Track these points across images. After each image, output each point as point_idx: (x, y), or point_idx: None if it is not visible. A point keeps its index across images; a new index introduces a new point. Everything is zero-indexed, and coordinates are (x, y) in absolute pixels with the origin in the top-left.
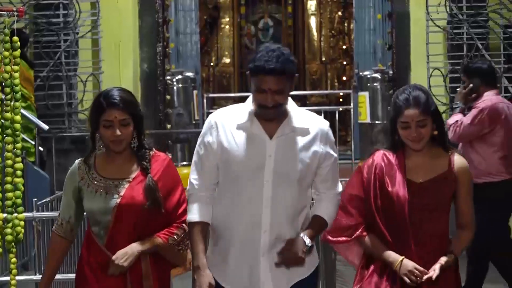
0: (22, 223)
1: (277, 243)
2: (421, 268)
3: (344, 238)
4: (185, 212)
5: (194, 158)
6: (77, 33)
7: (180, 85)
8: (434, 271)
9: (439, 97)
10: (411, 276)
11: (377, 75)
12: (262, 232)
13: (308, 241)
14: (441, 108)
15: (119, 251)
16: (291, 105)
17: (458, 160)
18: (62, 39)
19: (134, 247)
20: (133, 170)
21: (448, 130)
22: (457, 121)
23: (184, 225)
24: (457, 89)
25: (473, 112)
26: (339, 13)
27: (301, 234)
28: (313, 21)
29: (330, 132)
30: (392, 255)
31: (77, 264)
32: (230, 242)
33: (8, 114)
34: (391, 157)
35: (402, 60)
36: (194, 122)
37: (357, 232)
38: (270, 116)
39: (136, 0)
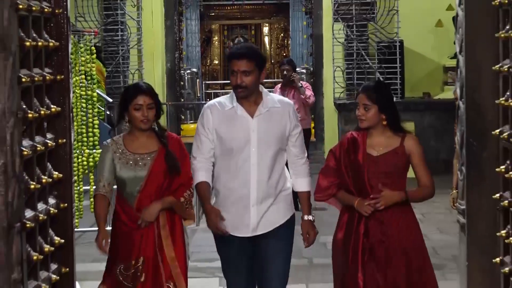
0: (98, 155)
1: (263, 198)
2: (372, 202)
3: (325, 197)
4: (191, 179)
5: (195, 138)
6: (129, 45)
7: (189, 76)
8: (377, 200)
9: (340, 83)
10: (366, 209)
11: (304, 71)
12: (251, 189)
13: (310, 217)
14: (339, 90)
15: (145, 209)
16: (264, 92)
17: (408, 138)
18: (120, 49)
19: (156, 206)
20: (154, 146)
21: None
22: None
23: (191, 188)
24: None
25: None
26: (282, 34)
27: (305, 217)
28: (266, 39)
29: (294, 108)
30: (353, 198)
31: (112, 220)
32: (229, 197)
33: (90, 92)
34: (357, 136)
35: (318, 62)
36: (197, 97)
37: (330, 192)
38: (241, 95)
39: (163, 25)
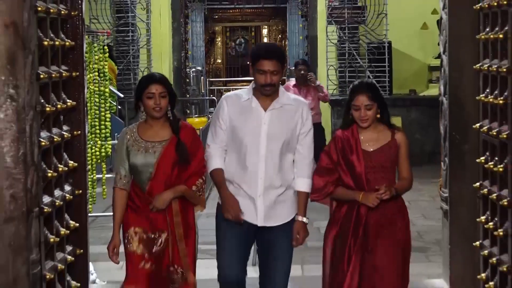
0: (110, 146)
1: (269, 189)
2: (378, 193)
3: (321, 196)
4: (204, 167)
5: (210, 127)
6: (139, 45)
7: (194, 74)
8: (383, 191)
9: (333, 80)
10: (373, 201)
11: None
12: (258, 179)
13: (304, 219)
14: (332, 87)
15: (157, 196)
16: (281, 89)
17: (398, 132)
18: (130, 48)
19: (168, 194)
20: (167, 135)
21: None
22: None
23: (203, 176)
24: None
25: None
26: (279, 36)
27: (299, 218)
28: (265, 40)
29: (307, 109)
30: (357, 193)
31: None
32: (239, 185)
33: (102, 88)
34: (348, 133)
35: (313, 61)
36: (201, 93)
37: (326, 190)
38: (268, 92)
39: (170, 27)
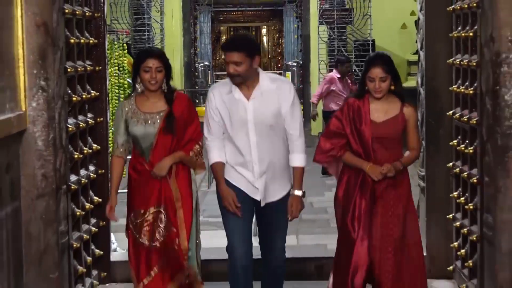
0: None
1: (265, 170)
2: (382, 168)
3: (326, 158)
4: (200, 134)
5: (204, 120)
6: (154, 43)
7: (202, 68)
8: (389, 169)
9: (324, 74)
10: (378, 175)
11: (294, 64)
12: (254, 164)
13: (300, 193)
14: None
15: (158, 164)
16: (261, 75)
17: (407, 107)
18: (146, 46)
19: (166, 161)
20: (164, 106)
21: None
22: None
23: (200, 142)
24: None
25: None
26: (277, 35)
27: (295, 192)
28: (264, 38)
29: (289, 87)
30: (364, 163)
31: (127, 171)
32: (238, 171)
33: (121, 80)
34: (360, 103)
35: (306, 57)
36: (208, 85)
37: (332, 153)
38: (235, 82)
39: (181, 27)
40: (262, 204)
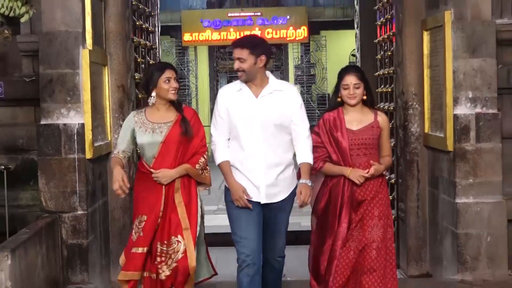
0: None
1: (269, 170)
2: (364, 172)
3: (312, 172)
4: (205, 146)
5: (212, 119)
6: (191, 96)
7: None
8: (370, 172)
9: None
10: (358, 177)
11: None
12: (258, 161)
13: (308, 182)
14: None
15: (164, 170)
16: (271, 77)
17: (380, 115)
18: (186, 98)
19: (173, 172)
20: (172, 116)
21: None
22: None
23: (205, 155)
24: None
25: None
26: None
27: (303, 180)
28: None
29: (296, 92)
30: (344, 168)
31: (134, 180)
32: (242, 170)
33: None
34: (334, 114)
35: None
36: None
37: (316, 165)
38: (241, 78)
39: (208, 86)
40: (263, 202)
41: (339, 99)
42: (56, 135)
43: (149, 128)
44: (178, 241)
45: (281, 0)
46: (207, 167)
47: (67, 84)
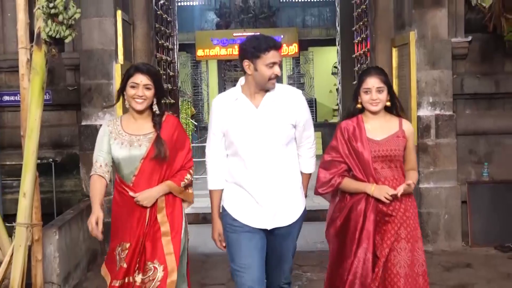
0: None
1: (275, 188)
2: (391, 189)
3: (328, 189)
4: (191, 160)
5: (208, 134)
6: (203, 101)
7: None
8: (399, 190)
9: None
10: (385, 194)
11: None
12: (262, 179)
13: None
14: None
15: (145, 192)
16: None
17: (405, 123)
18: (199, 104)
19: (154, 192)
20: (151, 128)
21: None
22: None
23: (191, 170)
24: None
25: None
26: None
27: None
28: None
29: (301, 98)
30: (367, 185)
31: (112, 200)
32: (245, 188)
33: (188, 121)
34: (354, 123)
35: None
36: None
37: (333, 182)
38: (273, 87)
39: (217, 93)
40: (269, 227)
41: (359, 105)
42: (94, 133)
43: (125, 141)
44: (155, 267)
45: (276, 22)
46: (191, 183)
47: (103, 92)
